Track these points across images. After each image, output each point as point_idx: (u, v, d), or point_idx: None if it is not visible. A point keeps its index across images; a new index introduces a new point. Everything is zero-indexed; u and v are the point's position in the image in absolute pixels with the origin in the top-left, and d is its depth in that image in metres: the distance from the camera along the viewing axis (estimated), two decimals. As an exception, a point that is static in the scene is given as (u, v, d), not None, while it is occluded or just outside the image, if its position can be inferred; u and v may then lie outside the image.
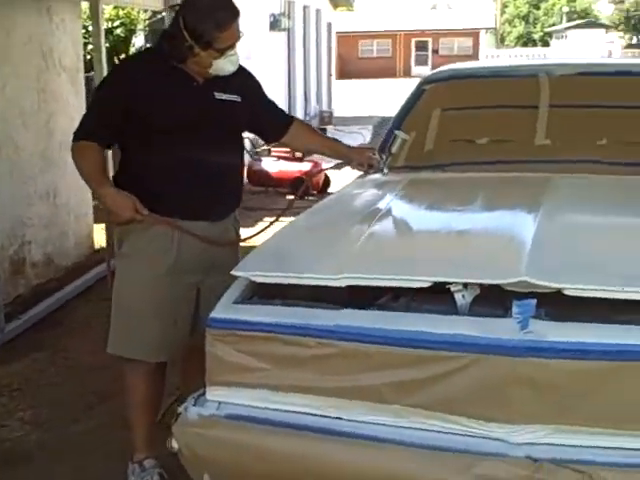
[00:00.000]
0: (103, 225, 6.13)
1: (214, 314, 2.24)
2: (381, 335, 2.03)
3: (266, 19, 13.25)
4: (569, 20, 49.19)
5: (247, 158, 9.60)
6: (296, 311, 2.17)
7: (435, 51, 41.76)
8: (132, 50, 10.08)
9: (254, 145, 9.90)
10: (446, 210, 2.69)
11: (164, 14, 7.26)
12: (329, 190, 8.76)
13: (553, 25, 52.01)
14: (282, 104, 14.96)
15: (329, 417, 2.12)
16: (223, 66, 2.69)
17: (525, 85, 3.48)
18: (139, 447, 2.86)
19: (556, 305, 1.98)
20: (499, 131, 3.35)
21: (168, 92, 2.69)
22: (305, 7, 16.25)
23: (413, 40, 41.87)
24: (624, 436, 1.87)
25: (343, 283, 2.15)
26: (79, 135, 2.73)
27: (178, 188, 2.71)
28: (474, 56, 37.48)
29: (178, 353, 2.87)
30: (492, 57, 39.62)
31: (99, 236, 6.51)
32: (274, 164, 9.20)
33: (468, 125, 3.44)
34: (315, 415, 2.14)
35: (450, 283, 2.06)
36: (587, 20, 48.23)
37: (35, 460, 3.25)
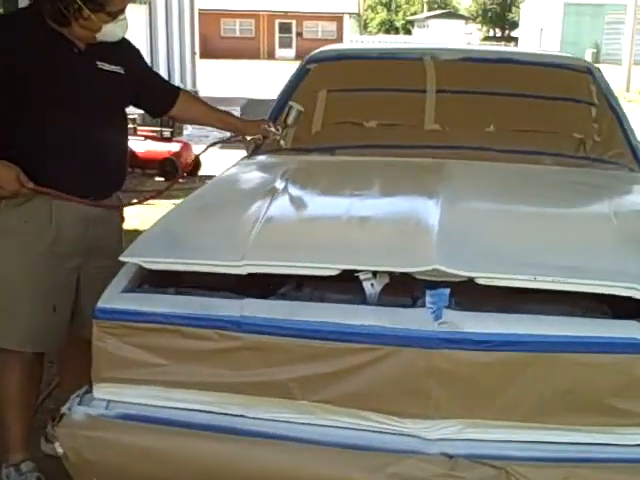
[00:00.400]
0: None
1: (101, 303, 2.05)
2: (288, 327, 1.92)
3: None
4: (430, 9, 50.67)
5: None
6: (195, 300, 2.03)
7: (299, 34, 41.76)
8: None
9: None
10: (345, 195, 2.60)
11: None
12: (199, 172, 8.53)
13: (415, 14, 53.38)
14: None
15: (231, 415, 2.00)
16: (113, 31, 2.49)
17: (411, 68, 3.45)
18: (14, 448, 2.60)
19: (466, 295, 1.95)
20: (387, 114, 3.31)
21: (46, 59, 2.43)
22: (167, -20, 15.77)
23: (277, 22, 41.71)
24: (539, 430, 1.86)
25: (245, 270, 2.03)
26: None
27: (57, 163, 2.48)
28: (338, 40, 37.63)
29: (57, 343, 2.62)
30: (356, 42, 40.21)
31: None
32: (141, 144, 8.83)
33: (356, 107, 3.37)
34: (216, 413, 2.01)
35: (359, 271, 1.98)
36: (447, 10, 49.84)
37: None
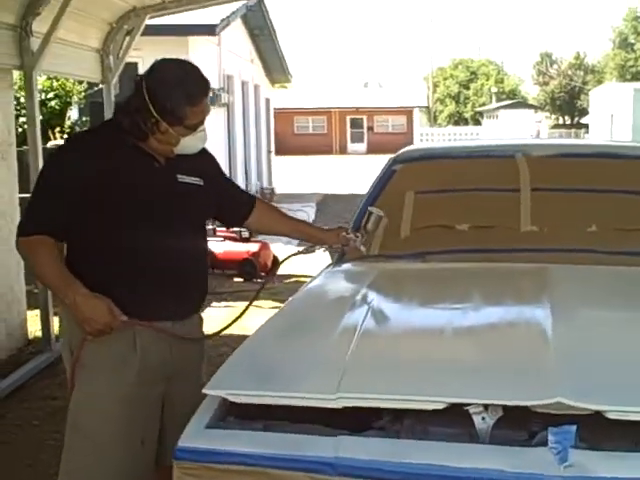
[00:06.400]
0: (38, 312, 5.67)
1: (182, 442, 1.86)
2: (390, 470, 1.69)
3: (207, 95, 13.13)
4: (498, 100, 50.90)
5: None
6: (283, 438, 1.82)
7: (370, 128, 42.46)
8: (67, 123, 9.63)
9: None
10: (443, 308, 2.39)
11: (101, 86, 7.00)
12: (278, 272, 8.44)
13: (483, 105, 53.73)
14: (223, 181, 14.87)
15: None
16: (192, 144, 2.40)
17: (503, 166, 3.28)
18: None
19: (591, 431, 1.69)
20: (480, 216, 3.12)
21: (128, 174, 2.34)
22: (244, 83, 16.23)
23: (348, 117, 42.53)
24: None
25: (340, 404, 1.82)
26: (29, 228, 2.33)
27: (132, 283, 2.35)
28: (409, 133, 38.18)
29: (146, 476, 2.43)
30: (427, 135, 40.58)
31: (33, 325, 6.01)
32: (219, 245, 8.83)
33: (446, 209, 3.20)
34: None
35: (469, 404, 1.75)
36: (516, 100, 49.98)
37: None
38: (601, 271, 2.70)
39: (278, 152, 24.65)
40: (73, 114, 7.47)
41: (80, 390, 2.38)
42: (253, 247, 8.89)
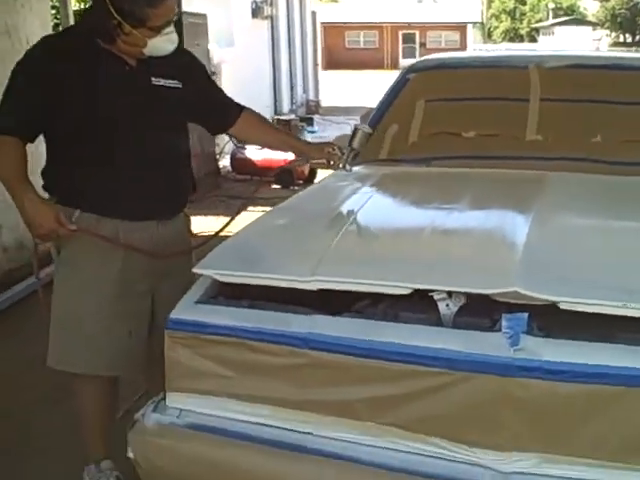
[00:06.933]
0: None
1: (174, 314, 2.05)
2: (357, 346, 1.84)
3: (248, 6, 13.01)
4: (555, 17, 49.15)
5: (230, 146, 9.42)
6: (266, 315, 1.98)
7: (422, 44, 41.52)
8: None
9: (236, 133, 9.70)
10: (430, 208, 2.50)
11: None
12: (316, 180, 8.58)
13: (539, 21, 51.96)
14: (267, 92, 14.78)
15: (299, 432, 1.94)
16: (160, 45, 2.36)
17: (514, 77, 3.29)
18: (94, 449, 2.64)
19: (549, 321, 1.80)
20: (487, 125, 3.17)
21: (96, 77, 2.35)
22: (288, -5, 16.01)
23: (400, 33, 41.64)
24: (623, 470, 1.68)
25: (315, 286, 1.96)
26: None
27: (114, 185, 2.40)
28: (462, 50, 37.26)
29: (135, 366, 2.58)
30: (480, 50, 39.43)
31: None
32: (258, 152, 8.96)
33: (454, 117, 3.24)
34: (282, 429, 1.95)
35: (433, 291, 1.87)
36: (574, 17, 48.19)
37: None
38: (600, 180, 2.73)
39: (330, 66, 24.40)
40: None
41: (61, 284, 2.49)
42: (291, 155, 8.99)
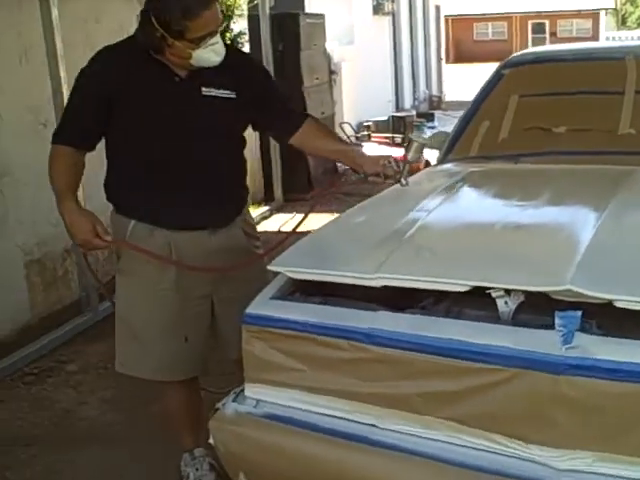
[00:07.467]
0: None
1: (249, 309, 2.17)
2: (414, 342, 1.89)
3: (369, 3, 13.10)
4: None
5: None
6: (330, 310, 2.07)
7: (553, 34, 40.13)
8: (227, 36, 9.96)
9: (355, 130, 9.85)
10: (506, 206, 2.49)
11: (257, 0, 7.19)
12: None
13: (681, 4, 49.01)
14: (388, 88, 14.81)
15: (363, 424, 2.02)
16: (205, 56, 2.37)
17: (610, 69, 3.21)
18: (187, 440, 2.82)
19: (609, 321, 1.79)
20: (579, 119, 3.11)
21: (147, 87, 2.41)
22: (410, -10, 15.98)
23: (530, 22, 40.44)
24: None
25: (378, 283, 2.03)
26: (55, 137, 2.46)
27: (165, 194, 2.46)
28: (594, 38, 35.67)
29: (192, 371, 2.68)
30: (614, 39, 37.75)
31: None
32: (375, 150, 9.05)
33: (545, 113, 3.21)
34: (349, 420, 2.04)
35: (490, 288, 1.90)
36: None
37: (105, 441, 3.30)
38: None
39: (458, 60, 24.00)
40: (236, 27, 7.74)
41: (120, 292, 2.60)
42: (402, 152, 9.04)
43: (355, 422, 2.03)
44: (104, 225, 2.39)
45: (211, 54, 2.38)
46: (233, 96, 2.49)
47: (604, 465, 1.72)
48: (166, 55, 2.39)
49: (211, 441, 2.23)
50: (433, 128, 12.34)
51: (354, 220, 2.56)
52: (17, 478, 3.04)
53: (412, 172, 8.50)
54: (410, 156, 2.59)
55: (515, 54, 3.65)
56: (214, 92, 2.46)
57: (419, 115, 12.36)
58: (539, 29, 40.68)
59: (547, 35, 40.44)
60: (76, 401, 3.67)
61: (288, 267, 2.19)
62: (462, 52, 37.39)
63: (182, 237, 2.51)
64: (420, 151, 2.60)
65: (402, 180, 2.57)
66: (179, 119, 2.43)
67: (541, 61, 3.52)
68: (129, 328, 2.59)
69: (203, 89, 2.45)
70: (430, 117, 13.00)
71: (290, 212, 6.96)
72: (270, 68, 8.00)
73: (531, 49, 3.81)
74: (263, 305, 2.17)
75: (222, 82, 2.46)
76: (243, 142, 2.64)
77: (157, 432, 3.23)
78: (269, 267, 2.23)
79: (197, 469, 2.78)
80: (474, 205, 2.62)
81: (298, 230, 2.59)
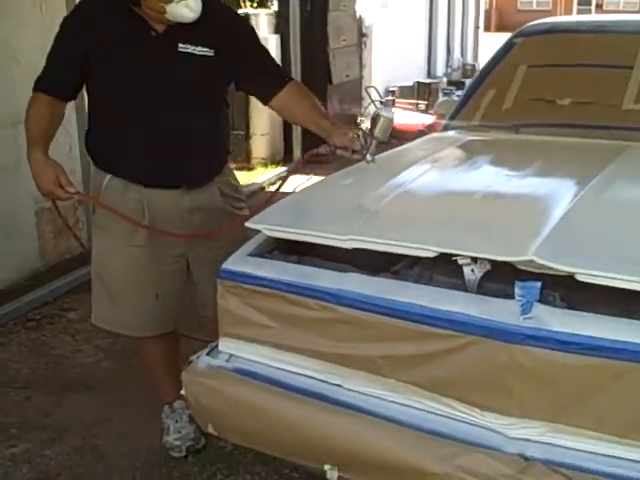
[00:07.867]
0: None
1: (225, 265, 2.19)
2: (379, 305, 1.90)
3: (405, -35, 12.87)
4: None
5: (372, 108, 9.49)
6: (302, 270, 2.08)
7: (599, 6, 39.15)
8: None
9: (381, 95, 9.77)
10: (490, 175, 2.48)
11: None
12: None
13: None
14: (421, 54, 14.58)
15: (329, 383, 2.04)
16: (178, 11, 2.31)
17: (623, 42, 3.15)
18: (166, 392, 2.84)
19: (576, 294, 1.78)
20: (583, 92, 3.06)
21: (123, 41, 2.37)
22: (450, -46, 15.65)
23: (575, -8, 39.52)
24: (625, 445, 1.66)
25: (349, 245, 2.04)
26: (36, 84, 2.44)
27: (137, 151, 2.43)
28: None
29: (165, 327, 2.68)
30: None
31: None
32: (398, 115, 8.99)
33: (551, 84, 3.17)
34: (315, 379, 2.06)
35: (457, 255, 1.90)
36: None
37: (97, 388, 3.36)
38: None
39: (499, 29, 23.53)
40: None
41: (96, 247, 2.60)
42: (429, 119, 8.96)
43: (321, 381, 2.05)
44: (68, 176, 2.36)
45: (184, 10, 2.32)
46: (211, 54, 2.43)
47: (555, 436, 1.73)
48: (142, 8, 2.36)
49: (183, 392, 2.28)
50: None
51: (339, 183, 2.55)
52: (9, 420, 3.12)
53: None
54: (377, 132, 2.38)
55: (530, 23, 3.58)
56: (191, 49, 2.40)
57: (450, 83, 12.21)
58: (585, 1, 39.72)
59: (593, 7, 39.48)
60: (73, 348, 3.74)
61: (265, 225, 2.20)
62: (505, 21, 36.60)
63: (154, 194, 2.49)
64: (388, 128, 2.39)
65: (367, 156, 2.39)
66: (154, 74, 2.39)
67: (555, 31, 3.46)
68: (102, 282, 2.60)
69: (180, 45, 2.40)
70: (461, 85, 12.81)
71: (308, 174, 6.96)
72: (297, 28, 7.96)
73: (547, 19, 3.73)
74: (239, 261, 2.19)
75: (200, 39, 2.41)
76: (224, 101, 2.58)
77: (149, 381, 3.30)
78: (247, 224, 2.24)
79: (177, 421, 2.82)
80: (461, 174, 2.59)
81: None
